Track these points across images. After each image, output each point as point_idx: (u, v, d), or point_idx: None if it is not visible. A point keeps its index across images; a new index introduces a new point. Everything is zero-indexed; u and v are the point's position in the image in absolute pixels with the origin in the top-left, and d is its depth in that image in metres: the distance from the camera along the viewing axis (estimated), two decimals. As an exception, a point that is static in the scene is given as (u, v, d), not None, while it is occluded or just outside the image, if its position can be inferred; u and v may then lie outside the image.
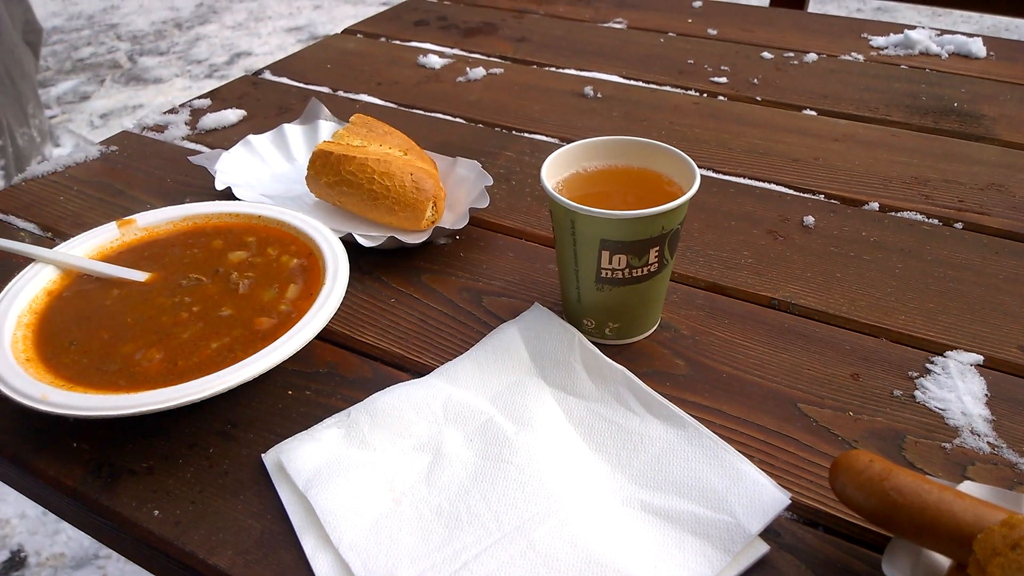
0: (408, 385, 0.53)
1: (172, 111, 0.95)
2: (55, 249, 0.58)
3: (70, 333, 0.52)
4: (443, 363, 0.56)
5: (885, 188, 0.78)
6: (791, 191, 0.77)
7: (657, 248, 0.53)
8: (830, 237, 0.70)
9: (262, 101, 0.98)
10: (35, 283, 0.56)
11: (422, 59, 1.10)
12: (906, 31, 1.14)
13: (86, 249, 0.59)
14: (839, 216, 0.73)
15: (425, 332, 0.59)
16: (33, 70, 2.43)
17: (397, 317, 0.61)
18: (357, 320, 0.61)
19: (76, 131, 2.76)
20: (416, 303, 0.63)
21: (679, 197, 0.55)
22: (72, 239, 0.60)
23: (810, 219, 0.72)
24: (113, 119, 3.00)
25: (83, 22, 4.02)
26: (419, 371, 0.56)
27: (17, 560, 1.36)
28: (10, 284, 0.55)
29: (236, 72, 3.42)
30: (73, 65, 3.51)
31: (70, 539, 1.41)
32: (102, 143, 0.87)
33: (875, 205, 0.75)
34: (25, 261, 0.58)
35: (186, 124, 0.91)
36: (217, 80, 3.34)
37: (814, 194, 0.77)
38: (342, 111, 0.94)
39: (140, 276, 0.57)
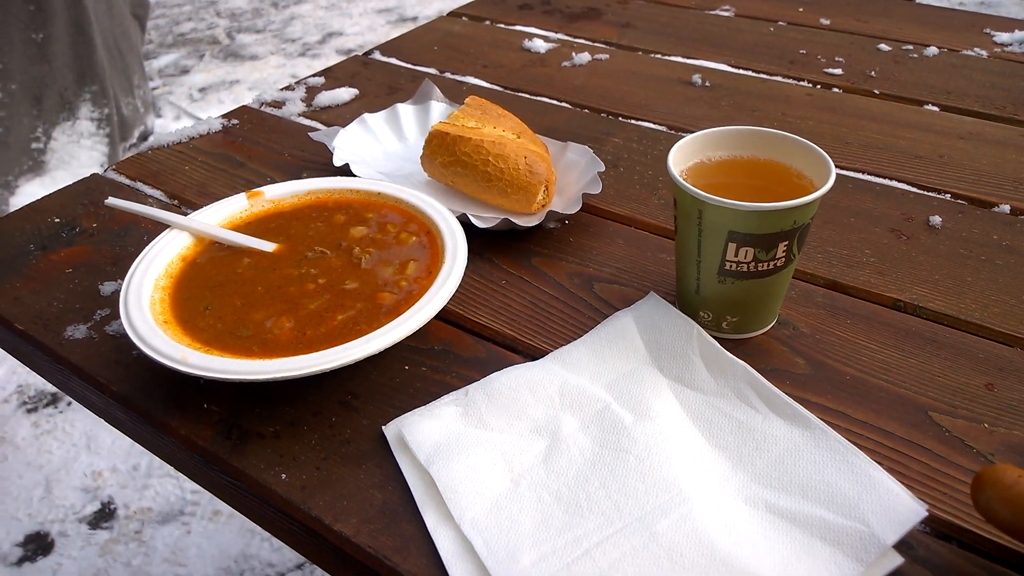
0: (524, 368, 0.53)
1: (288, 88, 0.97)
2: (190, 216, 0.60)
3: (204, 298, 0.54)
4: (555, 347, 0.56)
5: (1016, 190, 0.74)
6: (914, 189, 0.74)
7: (786, 243, 0.52)
8: (959, 239, 0.67)
9: (373, 80, 1.00)
10: (170, 248, 0.58)
11: (527, 43, 1.10)
12: (1037, 25, 1.07)
13: (218, 218, 0.61)
14: (968, 217, 0.70)
15: (537, 315, 0.60)
16: (139, 43, 2.54)
17: (508, 299, 0.61)
18: (470, 300, 0.61)
19: (176, 103, 2.87)
20: (527, 286, 0.63)
21: (809, 190, 0.53)
22: (204, 208, 0.62)
23: (936, 219, 0.69)
24: (211, 93, 3.10)
25: (185, -1, 4.17)
26: (531, 354, 0.56)
27: (107, 512, 1.44)
28: (147, 249, 0.58)
29: (328, 51, 3.49)
30: (175, 39, 3.64)
31: (158, 495, 1.48)
32: (223, 116, 0.90)
33: (1006, 208, 0.71)
34: (158, 227, 0.60)
35: (302, 101, 0.93)
36: (310, 58, 3.42)
37: (939, 193, 0.74)
38: (450, 92, 0.95)
39: (268, 246, 0.59)
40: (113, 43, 2.26)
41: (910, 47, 1.06)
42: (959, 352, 0.55)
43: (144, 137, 2.43)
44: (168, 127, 2.47)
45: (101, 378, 0.54)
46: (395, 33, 3.63)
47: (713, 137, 0.58)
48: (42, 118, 2.09)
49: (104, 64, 2.19)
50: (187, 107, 2.92)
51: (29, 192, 2.02)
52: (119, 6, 2.32)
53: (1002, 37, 1.08)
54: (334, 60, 3.39)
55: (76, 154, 2.11)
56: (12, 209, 2.03)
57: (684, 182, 0.52)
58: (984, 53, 1.04)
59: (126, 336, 0.51)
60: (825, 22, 1.15)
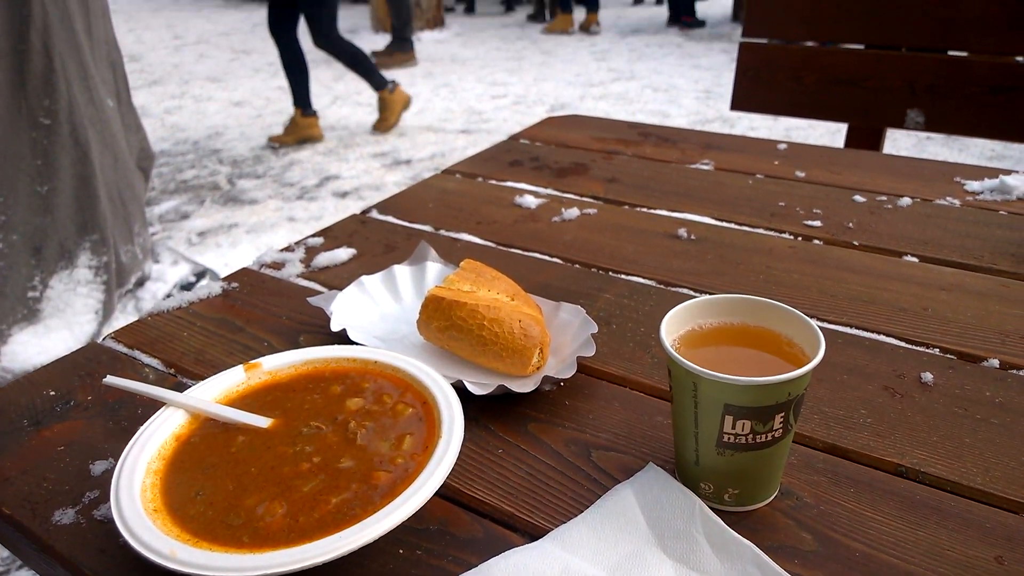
0: (522, 551, 0.51)
1: (288, 248, 1.00)
2: (186, 393, 0.60)
3: (197, 482, 0.54)
4: (554, 524, 0.55)
5: (1003, 343, 0.75)
6: (903, 343, 0.75)
7: (782, 414, 0.52)
8: (952, 396, 0.67)
9: (370, 239, 1.03)
10: (165, 428, 0.58)
11: (518, 199, 1.15)
12: (1001, 176, 1.13)
13: (214, 393, 0.61)
14: (958, 373, 0.70)
15: (535, 488, 0.59)
16: (143, 193, 2.62)
17: (505, 470, 0.61)
18: (467, 472, 0.60)
19: (174, 248, 2.93)
20: (524, 455, 0.62)
21: (800, 359, 0.54)
22: (201, 383, 0.62)
23: (928, 376, 0.70)
24: (210, 237, 3.18)
25: (189, 147, 4.36)
26: (530, 532, 0.54)
27: None
28: (141, 430, 0.57)
29: (324, 194, 3.61)
30: (177, 186, 3.77)
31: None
32: (224, 279, 0.92)
33: (995, 362, 0.72)
34: (154, 400, 0.60)
35: (301, 261, 0.96)
36: (307, 201, 3.53)
37: (928, 348, 0.75)
38: (445, 250, 0.98)
39: (264, 422, 0.59)
40: (117, 194, 2.33)
41: (884, 198, 1.11)
42: (966, 522, 0.54)
43: (140, 283, 2.46)
44: (165, 273, 2.51)
45: (87, 570, 0.52)
46: (389, 176, 3.78)
47: (704, 305, 0.60)
48: (41, 267, 2.12)
49: (107, 214, 2.25)
50: (185, 251, 2.98)
51: (21, 341, 2.03)
52: (125, 159, 2.41)
53: (972, 185, 1.13)
54: (330, 203, 3.51)
55: (71, 302, 2.13)
56: (3, 359, 2.03)
57: (678, 355, 0.53)
58: (956, 202, 1.09)
59: (115, 522, 0.49)
60: (801, 175, 1.21)
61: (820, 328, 0.79)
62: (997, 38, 1.68)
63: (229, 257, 2.98)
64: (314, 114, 4.27)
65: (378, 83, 4.22)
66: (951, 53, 1.71)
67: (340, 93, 5.44)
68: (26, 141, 2.05)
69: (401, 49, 6.00)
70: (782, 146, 1.34)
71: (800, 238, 1.00)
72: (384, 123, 4.37)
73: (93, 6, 2.21)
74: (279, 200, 3.55)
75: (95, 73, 2.19)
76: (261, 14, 8.66)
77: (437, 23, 7.19)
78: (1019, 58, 1.62)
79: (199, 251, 3.04)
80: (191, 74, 6.04)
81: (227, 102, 5.24)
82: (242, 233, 3.19)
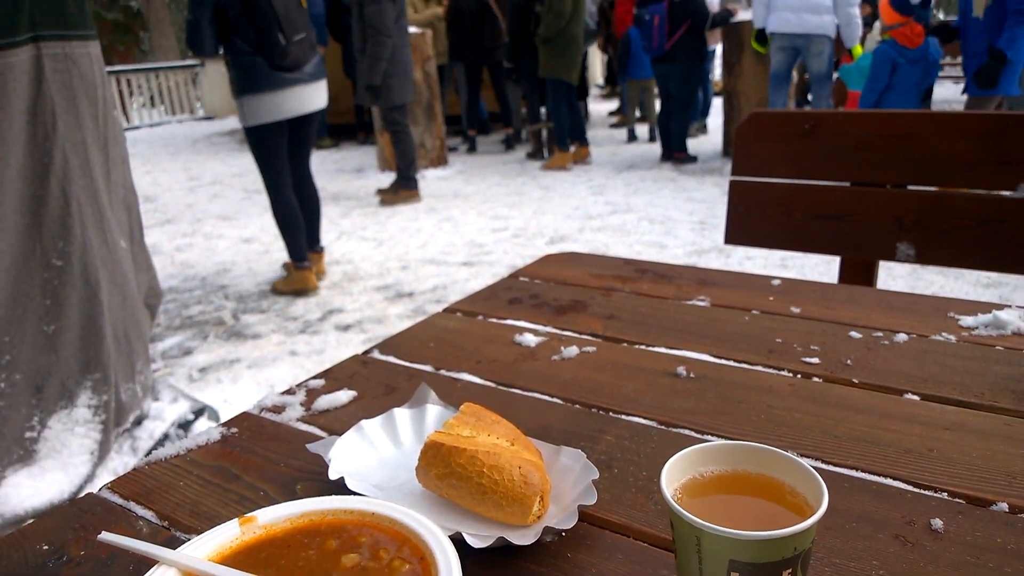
0: None
1: (289, 391, 1.01)
2: (179, 551, 0.59)
3: (185, 647, 0.51)
4: None
5: (1010, 485, 0.74)
6: (911, 487, 0.74)
7: (790, 569, 0.50)
8: (964, 544, 0.65)
9: (371, 380, 1.03)
10: (156, 587, 0.56)
11: (518, 337, 1.16)
12: (994, 311, 1.15)
13: (207, 550, 0.60)
14: (968, 519, 0.69)
15: (538, 649, 0.56)
16: (148, 330, 2.65)
17: (507, 629, 0.58)
18: (466, 632, 0.58)
19: (175, 385, 2.93)
20: (526, 612, 0.60)
21: (804, 509, 0.54)
22: (195, 539, 0.61)
23: (938, 522, 0.68)
24: (211, 373, 3.18)
25: (197, 283, 4.44)
26: None
27: None
28: (132, 587, 0.56)
29: (327, 327, 3.65)
30: (182, 322, 3.82)
31: None
32: (223, 424, 0.92)
33: (1004, 506, 0.70)
34: (147, 556, 0.59)
35: (301, 405, 0.96)
36: (309, 335, 3.56)
37: (936, 492, 0.73)
38: (445, 390, 0.98)
39: (256, 582, 0.57)
40: (123, 332, 2.36)
41: (880, 334, 1.12)
42: None
43: (139, 422, 2.44)
44: (163, 411, 2.49)
45: None
46: (392, 309, 3.83)
47: (704, 453, 0.60)
48: (40, 407, 2.12)
49: (111, 353, 2.27)
50: (186, 388, 2.97)
51: (15, 483, 1.99)
52: (133, 297, 2.46)
53: (967, 321, 1.15)
54: (333, 336, 3.54)
55: (68, 443, 2.11)
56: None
57: (680, 508, 0.52)
58: (952, 338, 1.10)
59: None
60: (796, 310, 1.23)
61: (825, 471, 0.78)
62: (979, 175, 1.75)
63: (229, 393, 2.97)
64: (308, 267, 4.14)
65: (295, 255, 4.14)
66: (936, 188, 1.78)
67: (346, 228, 5.61)
68: (37, 282, 2.10)
69: (406, 187, 6.24)
70: (776, 282, 1.37)
71: (799, 375, 1.01)
72: (277, 286, 4.23)
73: (113, 154, 2.33)
74: (282, 334, 3.58)
75: (111, 216, 2.27)
76: (272, 155, 9.07)
77: (441, 161, 7.51)
78: (1004, 192, 1.69)
79: (199, 387, 3.04)
80: (204, 213, 6.26)
81: (236, 239, 5.39)
82: (243, 368, 3.20)
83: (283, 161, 3.83)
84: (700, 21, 6.79)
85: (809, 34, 6.02)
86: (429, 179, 7.19)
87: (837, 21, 6.05)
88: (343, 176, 6.76)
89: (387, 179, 7.19)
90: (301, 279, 4.13)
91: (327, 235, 5.43)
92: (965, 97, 5.14)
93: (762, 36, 6.40)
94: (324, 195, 6.65)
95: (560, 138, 7.30)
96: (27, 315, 2.09)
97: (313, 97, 3.77)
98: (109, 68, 10.19)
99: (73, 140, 2.11)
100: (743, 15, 7.19)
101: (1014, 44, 4.67)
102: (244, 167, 8.30)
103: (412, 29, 7.19)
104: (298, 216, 3.98)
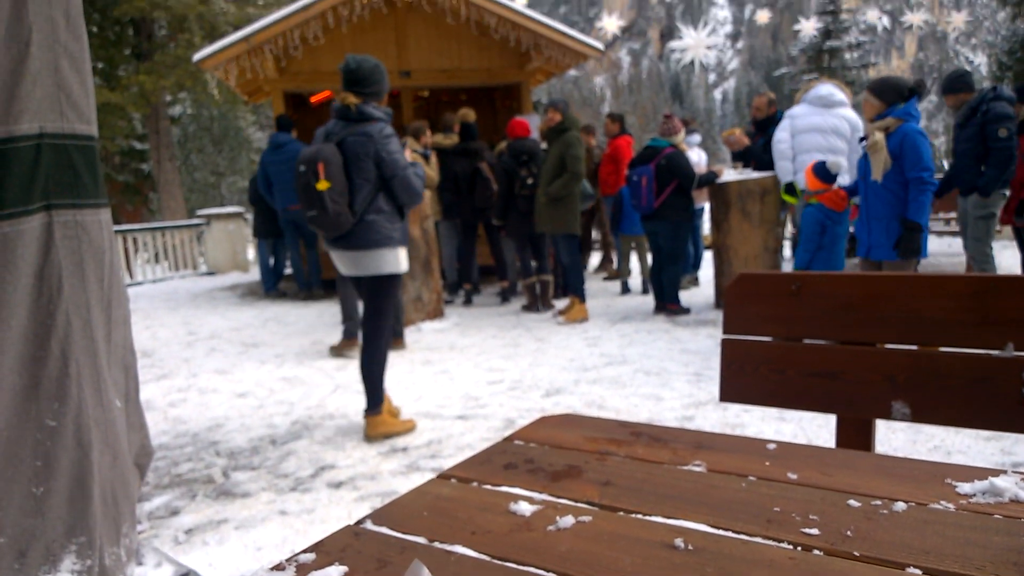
0: None
1: (278, 567, 0.98)
2: None
3: None
4: None
5: (1025, 671, 0.71)
6: (920, 676, 0.71)
7: None
8: None
9: (363, 553, 1.01)
10: None
11: (513, 506, 1.14)
12: (991, 478, 1.14)
13: None
14: None
15: None
16: (136, 491, 2.59)
17: None
18: None
19: (160, 548, 2.82)
20: None
21: None
22: None
23: None
24: (197, 534, 3.07)
25: (188, 439, 4.38)
26: None
27: None
28: None
29: (319, 484, 3.56)
30: (171, 480, 3.73)
31: None
32: (206, 606, 0.89)
33: None
34: None
35: (288, 585, 0.93)
36: (300, 492, 3.47)
37: None
38: (438, 564, 0.96)
39: None
40: (111, 494, 2.31)
41: (879, 502, 1.11)
42: None
43: (119, 588, 2.33)
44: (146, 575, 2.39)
45: None
46: (385, 465, 3.77)
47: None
48: (23, 572, 2.03)
49: (97, 515, 2.20)
50: (171, 551, 2.86)
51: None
52: (124, 458, 2.42)
53: (964, 488, 1.14)
54: (324, 494, 3.45)
55: (44, 617, 2.00)
56: None
57: None
58: (951, 506, 1.09)
59: None
60: (793, 476, 1.22)
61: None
62: (966, 335, 1.79)
63: (215, 556, 2.86)
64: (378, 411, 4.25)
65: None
66: (925, 347, 1.81)
67: (342, 382, 5.61)
68: (29, 443, 2.08)
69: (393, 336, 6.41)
70: (771, 446, 1.37)
71: (799, 548, 0.99)
72: (372, 433, 4.26)
73: (115, 315, 2.38)
74: (272, 492, 3.49)
75: (108, 376, 2.29)
76: (273, 310, 9.22)
77: (437, 314, 7.63)
78: (992, 352, 1.72)
79: (185, 550, 2.92)
80: (200, 367, 6.27)
81: (231, 393, 5.37)
82: (231, 530, 3.09)
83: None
84: (686, 182, 7.15)
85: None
86: (425, 332, 7.27)
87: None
88: (339, 329, 6.83)
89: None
90: (403, 422, 4.29)
91: (321, 388, 5.42)
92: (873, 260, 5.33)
93: (791, 188, 6.94)
94: (320, 348, 6.70)
95: (578, 289, 7.48)
96: (17, 477, 2.05)
97: (353, 262, 4.13)
98: (117, 228, 10.60)
99: (77, 302, 2.17)
100: (728, 175, 7.58)
101: (923, 212, 4.99)
102: (243, 321, 8.41)
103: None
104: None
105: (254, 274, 12.39)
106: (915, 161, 4.90)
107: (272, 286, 10.26)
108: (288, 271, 10.94)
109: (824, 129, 6.70)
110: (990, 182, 6.31)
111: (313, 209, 3.84)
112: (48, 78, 2.09)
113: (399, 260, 4.12)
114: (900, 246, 5.00)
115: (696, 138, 9.38)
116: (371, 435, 4.17)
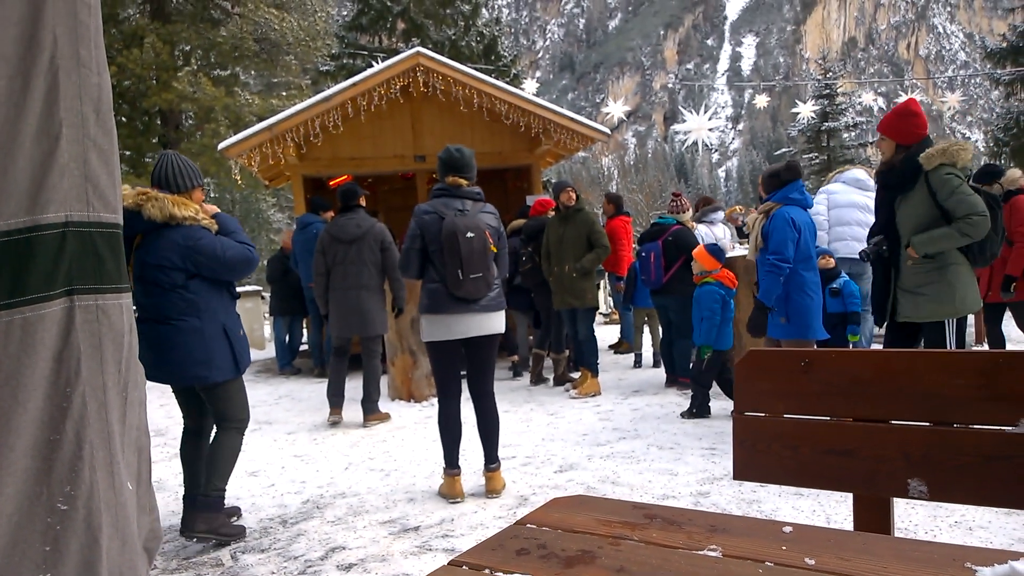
0: None
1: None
2: None
3: None
4: None
5: None
6: None
7: None
8: None
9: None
10: None
11: (526, 595, 1.13)
12: (1010, 562, 1.12)
13: None
14: None
15: None
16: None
17: None
18: None
19: (166, 636, 2.76)
20: None
21: None
22: None
23: None
24: (204, 622, 3.01)
25: (197, 520, 4.32)
26: None
27: None
28: None
29: (328, 567, 3.50)
30: (179, 564, 3.67)
31: None
32: None
33: None
34: None
35: None
36: (310, 575, 3.40)
37: None
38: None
39: None
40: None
41: (898, 588, 1.09)
42: None
43: None
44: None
45: None
46: (396, 545, 3.70)
47: None
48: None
49: (103, 603, 2.17)
50: (176, 639, 2.80)
51: None
52: (132, 542, 2.40)
53: (984, 572, 1.12)
54: (334, 575, 3.38)
55: None
56: None
57: None
58: (971, 592, 1.07)
59: None
60: (810, 562, 1.20)
61: None
62: (978, 411, 1.78)
63: (222, 645, 2.79)
64: (455, 474, 4.50)
65: None
66: (940, 425, 1.80)
67: (354, 459, 5.56)
68: (39, 527, 2.07)
69: (375, 411, 6.68)
70: (788, 528, 1.35)
71: (818, 638, 0.97)
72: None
73: (131, 397, 2.40)
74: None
75: (121, 459, 2.29)
76: (288, 387, 9.22)
77: (449, 390, 7.62)
78: (1006, 428, 1.71)
79: (191, 638, 2.85)
80: (210, 444, 6.23)
81: (243, 472, 5.33)
82: (239, 616, 3.02)
83: (451, 375, 4.49)
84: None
85: (852, 257, 6.90)
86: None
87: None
88: (354, 405, 6.81)
89: (398, 408, 7.23)
90: (447, 485, 4.47)
91: (334, 466, 5.37)
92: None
93: None
94: (331, 429, 6.67)
95: (591, 363, 7.49)
96: (24, 562, 2.03)
97: (483, 323, 4.42)
98: (135, 304, 10.70)
99: (94, 385, 2.19)
100: (737, 251, 7.65)
101: (768, 293, 5.27)
102: (258, 399, 8.40)
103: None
104: (454, 426, 4.51)
105: (270, 351, 12.42)
106: (771, 244, 5.25)
107: (287, 363, 10.29)
108: (304, 347, 10.98)
109: (862, 206, 7.19)
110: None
111: (478, 272, 4.32)
112: (76, 170, 2.17)
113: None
114: (748, 323, 5.40)
115: (720, 215, 9.50)
116: (495, 490, 4.49)
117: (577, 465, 5.00)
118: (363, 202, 6.76)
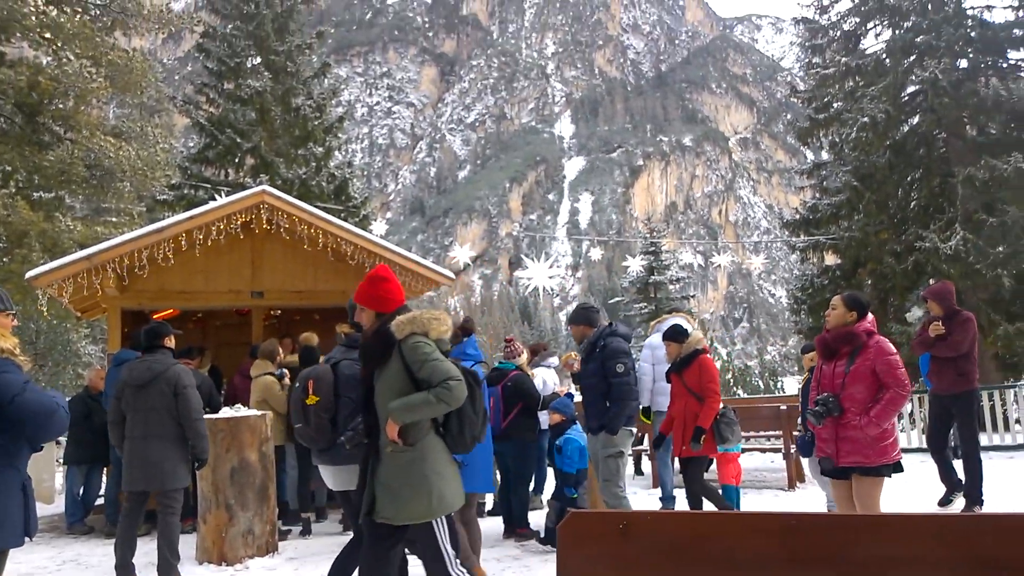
0: None
1: None
2: None
3: None
4: None
5: None
6: None
7: None
8: None
9: None
10: None
11: None
12: None
13: None
14: None
15: None
16: None
17: None
18: None
19: None
20: None
21: None
22: None
23: None
24: None
25: None
26: None
27: None
28: None
29: None
30: None
31: None
32: None
33: None
34: None
35: None
36: None
37: None
38: None
39: None
40: None
41: None
42: None
43: None
44: None
45: None
46: None
47: None
48: None
49: None
50: None
51: None
52: None
53: None
54: None
55: None
56: None
57: None
58: None
59: None
60: None
61: None
62: (778, 574, 1.83)
63: None
64: None
65: None
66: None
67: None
68: None
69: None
70: None
71: None
72: None
73: None
74: None
75: None
76: (76, 549, 8.02)
77: (271, 549, 6.96)
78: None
79: None
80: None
81: (3, 659, 4.47)
82: None
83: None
84: (532, 403, 7.30)
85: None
86: (254, 570, 6.57)
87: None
88: (150, 572, 6.01)
89: (206, 573, 6.49)
90: None
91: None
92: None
93: (647, 411, 8.01)
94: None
95: None
96: None
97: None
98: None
99: None
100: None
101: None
102: (35, 565, 7.24)
103: (249, 411, 7.18)
104: None
105: (58, 505, 10.84)
106: None
107: (78, 519, 9.02)
108: (99, 502, 9.69)
109: None
110: (614, 419, 6.22)
111: (299, 422, 4.31)
112: None
113: None
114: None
115: (554, 361, 9.73)
116: None
117: (405, 632, 4.63)
118: (170, 342, 6.24)
